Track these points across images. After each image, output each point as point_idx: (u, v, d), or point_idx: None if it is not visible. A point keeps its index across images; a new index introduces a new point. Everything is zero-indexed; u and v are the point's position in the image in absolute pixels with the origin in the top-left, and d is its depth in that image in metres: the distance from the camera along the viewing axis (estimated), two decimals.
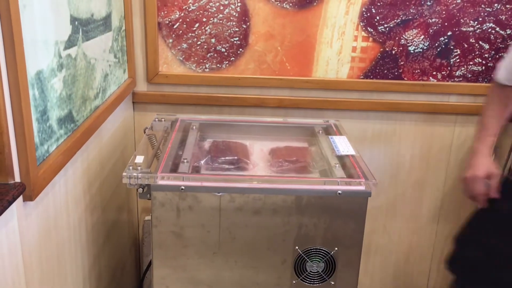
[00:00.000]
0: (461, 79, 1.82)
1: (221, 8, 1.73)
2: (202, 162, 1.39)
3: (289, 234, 1.26)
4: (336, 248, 1.27)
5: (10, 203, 0.85)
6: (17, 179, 0.92)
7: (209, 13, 1.74)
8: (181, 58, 1.80)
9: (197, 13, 1.74)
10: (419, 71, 1.82)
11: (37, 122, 1.00)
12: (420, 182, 1.97)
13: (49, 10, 1.05)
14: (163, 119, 1.62)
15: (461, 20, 1.75)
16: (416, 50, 1.79)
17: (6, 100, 0.87)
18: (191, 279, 1.29)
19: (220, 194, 1.22)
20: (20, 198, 0.93)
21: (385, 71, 1.82)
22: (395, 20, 1.76)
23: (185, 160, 1.33)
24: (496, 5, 1.73)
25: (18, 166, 0.93)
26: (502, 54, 1.77)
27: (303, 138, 1.63)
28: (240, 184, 1.24)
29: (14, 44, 0.86)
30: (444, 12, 1.74)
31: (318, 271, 1.28)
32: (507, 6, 1.73)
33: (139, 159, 1.28)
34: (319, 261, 1.27)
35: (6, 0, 0.84)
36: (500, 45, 1.77)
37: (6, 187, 0.88)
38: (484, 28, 1.76)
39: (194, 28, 1.76)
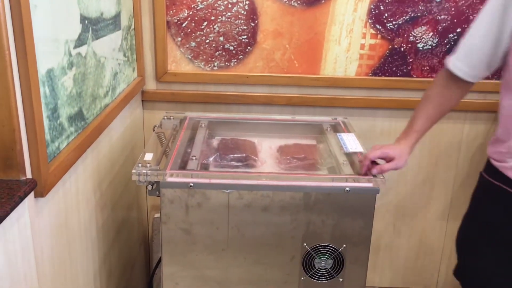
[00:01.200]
0: None
1: (229, 6, 1.74)
2: (211, 159, 1.40)
3: (297, 231, 1.26)
4: (344, 245, 1.27)
5: (21, 199, 0.87)
6: (29, 175, 0.94)
7: (217, 11, 1.75)
8: (189, 57, 1.81)
9: (206, 12, 1.75)
10: (428, 68, 1.81)
11: (48, 120, 1.01)
12: (429, 179, 1.97)
13: (59, 9, 1.06)
14: (172, 117, 1.63)
15: (471, 16, 1.74)
16: (425, 47, 1.78)
17: (18, 98, 0.89)
18: (200, 276, 1.30)
19: (229, 191, 1.23)
20: (32, 194, 0.94)
21: (394, 69, 1.81)
22: (404, 17, 1.76)
23: (194, 158, 1.34)
24: None
25: (30, 163, 0.94)
26: None
27: (311, 135, 1.64)
28: (248, 181, 1.24)
29: (25, 43, 0.88)
30: (453, 9, 1.74)
31: (327, 268, 1.28)
32: None
33: (148, 156, 1.29)
34: (327, 258, 1.28)
35: (18, 0, 0.85)
36: None
37: (18, 183, 0.89)
38: None
39: (203, 27, 1.77)
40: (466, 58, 1.25)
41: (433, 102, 1.32)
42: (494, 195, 1.28)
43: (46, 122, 1.00)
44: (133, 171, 1.22)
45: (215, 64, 1.81)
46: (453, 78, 1.28)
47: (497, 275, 1.30)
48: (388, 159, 1.28)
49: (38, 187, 0.95)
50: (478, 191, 1.37)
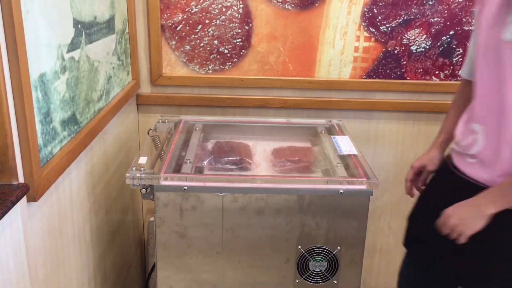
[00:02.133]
0: None
1: (224, 9, 1.74)
2: (205, 162, 1.40)
3: (292, 233, 1.26)
4: (338, 247, 1.27)
5: (13, 203, 0.87)
6: (21, 180, 0.94)
7: (212, 15, 1.75)
8: (184, 60, 1.81)
9: (200, 15, 1.75)
10: (421, 70, 1.82)
11: (40, 124, 1.01)
12: None
13: (51, 13, 1.06)
14: (166, 121, 1.63)
15: (463, 19, 1.75)
16: (419, 50, 1.79)
17: (9, 102, 0.89)
18: (195, 279, 1.30)
19: (223, 194, 1.23)
20: (24, 198, 0.94)
21: (388, 71, 1.82)
22: (397, 20, 1.76)
23: (188, 161, 1.34)
24: None
25: (22, 167, 0.94)
26: None
27: (306, 138, 1.64)
28: (242, 184, 1.25)
29: (17, 48, 0.88)
30: (446, 11, 1.75)
31: (321, 270, 1.29)
32: None
33: (143, 160, 1.29)
34: (322, 260, 1.28)
35: (9, 4, 0.85)
36: None
37: (10, 188, 0.89)
38: None
39: (197, 30, 1.77)
40: (468, 60, 1.35)
41: (454, 107, 1.40)
42: (440, 172, 1.36)
43: (38, 127, 1.00)
44: (127, 174, 1.22)
45: (210, 67, 1.82)
46: (464, 81, 1.37)
47: (434, 245, 1.34)
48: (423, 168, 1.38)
49: (31, 191, 0.95)
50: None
